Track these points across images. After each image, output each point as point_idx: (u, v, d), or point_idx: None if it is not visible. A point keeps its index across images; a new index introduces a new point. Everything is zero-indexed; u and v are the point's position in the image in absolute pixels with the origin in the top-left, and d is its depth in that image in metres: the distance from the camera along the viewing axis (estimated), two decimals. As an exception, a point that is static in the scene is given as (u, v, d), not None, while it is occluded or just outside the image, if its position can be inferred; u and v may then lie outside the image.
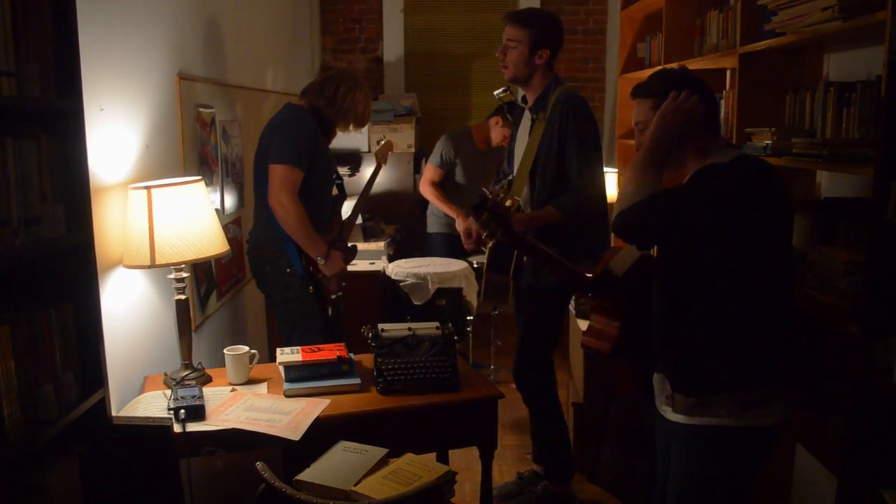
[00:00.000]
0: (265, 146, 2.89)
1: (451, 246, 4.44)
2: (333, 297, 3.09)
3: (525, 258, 2.85)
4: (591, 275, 2.16)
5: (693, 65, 3.78)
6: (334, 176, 3.15)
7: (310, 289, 2.95)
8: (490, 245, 2.90)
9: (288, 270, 2.91)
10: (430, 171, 4.46)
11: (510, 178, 2.83)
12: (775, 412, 1.81)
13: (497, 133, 4.38)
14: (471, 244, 3.04)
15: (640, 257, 2.05)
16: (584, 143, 2.75)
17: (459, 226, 4.22)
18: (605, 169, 4.80)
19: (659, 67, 4.10)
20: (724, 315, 1.80)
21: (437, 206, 4.42)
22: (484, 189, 2.23)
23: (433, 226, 4.60)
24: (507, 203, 2.68)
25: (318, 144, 2.94)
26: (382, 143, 3.61)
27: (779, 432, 1.86)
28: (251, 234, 3.07)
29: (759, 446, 1.84)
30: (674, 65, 2.23)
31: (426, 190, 4.45)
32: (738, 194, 1.74)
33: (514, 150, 2.99)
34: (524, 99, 2.91)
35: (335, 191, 3.17)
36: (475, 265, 4.09)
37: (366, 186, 3.43)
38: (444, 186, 4.45)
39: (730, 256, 1.77)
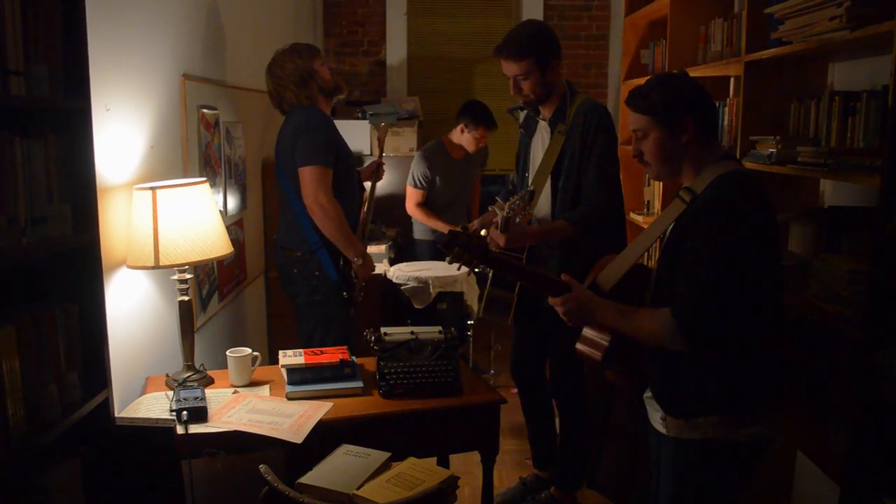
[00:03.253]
0: (288, 152, 2.88)
1: (436, 252, 4.45)
2: (359, 299, 3.10)
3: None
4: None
5: (697, 72, 3.79)
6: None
7: (344, 294, 2.95)
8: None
9: (317, 273, 2.92)
10: (410, 193, 4.46)
11: (531, 189, 2.73)
12: (763, 430, 1.82)
13: (467, 140, 4.36)
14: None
15: (629, 269, 1.97)
16: (604, 155, 2.68)
17: None
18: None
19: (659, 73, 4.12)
20: None
21: (428, 224, 4.44)
22: (455, 227, 2.03)
23: (417, 232, 4.62)
24: (515, 219, 2.66)
25: (338, 137, 2.95)
26: (382, 126, 3.45)
27: (767, 446, 1.87)
28: (278, 235, 3.07)
29: (747, 458, 1.86)
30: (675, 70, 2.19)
31: (413, 211, 4.48)
32: (753, 226, 1.74)
33: (529, 162, 2.93)
34: (536, 110, 2.84)
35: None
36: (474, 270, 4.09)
37: (377, 169, 3.34)
38: (432, 202, 4.45)
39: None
